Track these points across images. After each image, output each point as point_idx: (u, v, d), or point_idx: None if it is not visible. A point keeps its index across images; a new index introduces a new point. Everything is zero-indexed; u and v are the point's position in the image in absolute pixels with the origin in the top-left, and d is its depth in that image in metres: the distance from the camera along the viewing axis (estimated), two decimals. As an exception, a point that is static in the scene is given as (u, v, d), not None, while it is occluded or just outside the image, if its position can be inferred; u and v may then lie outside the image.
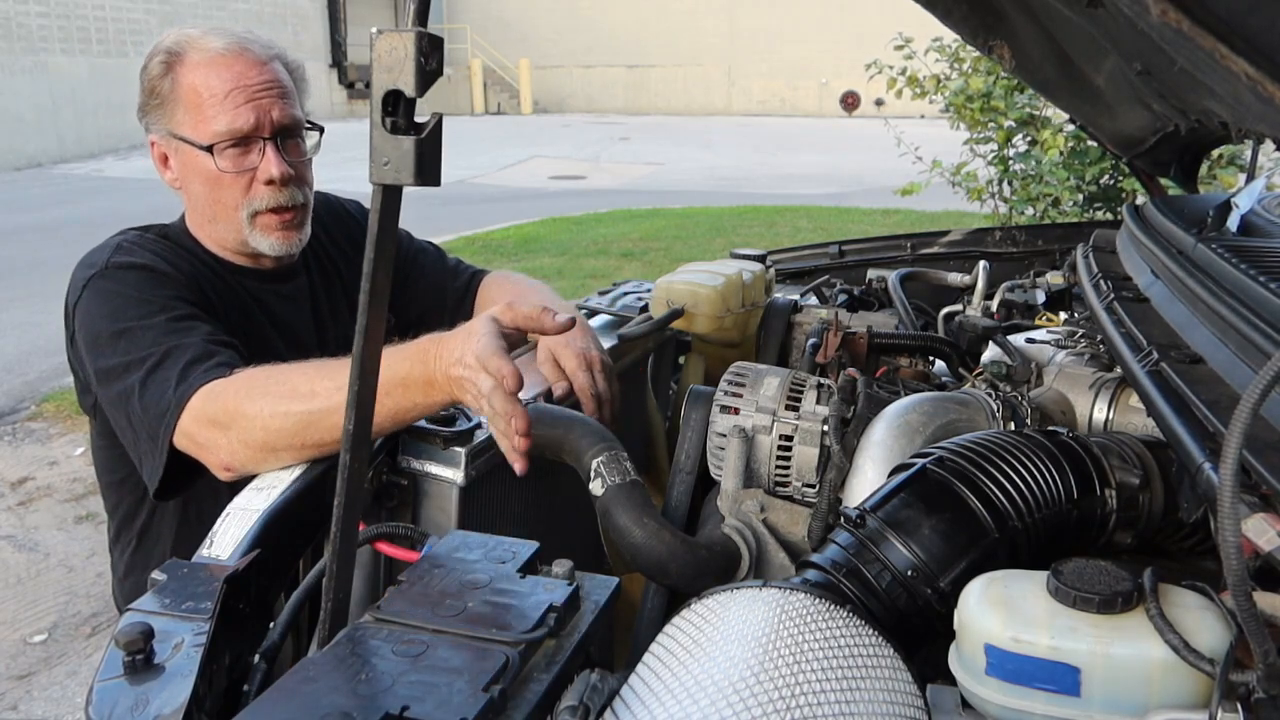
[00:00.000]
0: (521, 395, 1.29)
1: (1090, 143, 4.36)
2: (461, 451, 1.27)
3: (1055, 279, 2.06)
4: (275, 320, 1.58)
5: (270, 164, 1.45)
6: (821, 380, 1.36)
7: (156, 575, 0.97)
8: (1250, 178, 2.25)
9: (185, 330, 1.33)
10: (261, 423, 1.19)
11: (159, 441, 1.25)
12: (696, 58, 24.92)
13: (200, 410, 1.23)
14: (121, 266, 1.39)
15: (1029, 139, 4.98)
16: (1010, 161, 5.15)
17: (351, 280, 1.67)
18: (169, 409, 1.25)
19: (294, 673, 0.77)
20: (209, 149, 1.43)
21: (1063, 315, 1.91)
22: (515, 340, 1.61)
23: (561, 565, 0.92)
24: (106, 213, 10.04)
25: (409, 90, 0.69)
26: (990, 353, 1.56)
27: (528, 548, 0.96)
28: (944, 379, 1.73)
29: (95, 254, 1.44)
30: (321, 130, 1.56)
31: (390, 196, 0.73)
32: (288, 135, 1.49)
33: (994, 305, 2.03)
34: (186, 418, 1.23)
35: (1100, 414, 1.37)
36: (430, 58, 0.69)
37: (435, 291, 1.79)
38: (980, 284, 2.09)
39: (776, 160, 14.99)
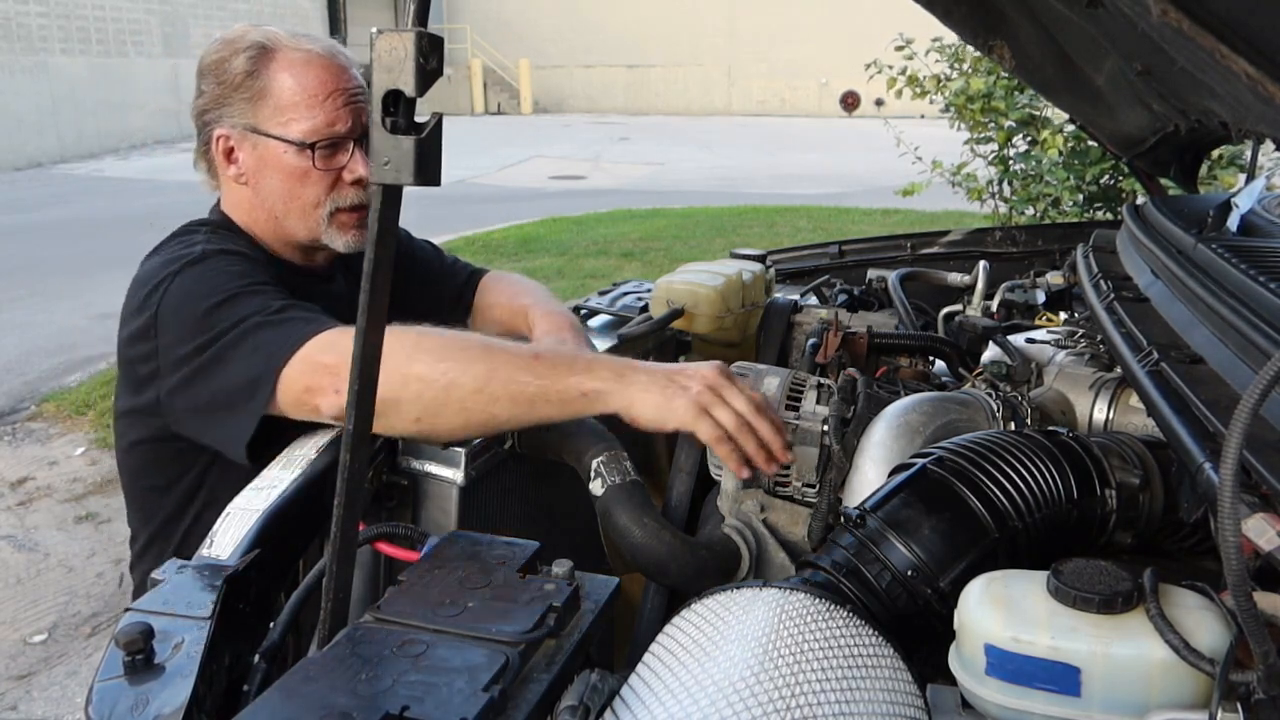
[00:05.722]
0: None
1: (1090, 143, 4.36)
2: (461, 451, 1.27)
3: (1055, 279, 2.06)
4: None
5: (359, 164, 1.47)
6: (821, 380, 1.36)
7: (156, 575, 0.98)
8: (1250, 178, 2.25)
9: (296, 304, 1.32)
10: (407, 353, 1.17)
11: (264, 380, 1.22)
12: (696, 58, 24.91)
13: (332, 341, 1.20)
14: (220, 252, 1.39)
15: (1029, 139, 4.98)
16: (1010, 161, 5.15)
17: None
18: (293, 341, 1.22)
19: (294, 673, 0.77)
20: (309, 146, 1.43)
21: (1063, 315, 1.91)
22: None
23: (561, 565, 0.92)
24: (106, 213, 10.06)
25: (409, 90, 0.69)
26: (990, 353, 1.56)
27: (528, 548, 0.96)
28: (944, 379, 1.73)
29: (175, 249, 1.41)
30: None
31: (390, 196, 0.74)
32: (365, 140, 1.50)
33: (994, 305, 2.03)
34: (313, 346, 1.21)
35: (1100, 414, 1.37)
36: (430, 58, 0.69)
37: (435, 290, 1.79)
38: (980, 284, 2.09)
39: (776, 160, 14.98)
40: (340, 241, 1.51)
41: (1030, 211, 5.05)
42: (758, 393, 1.20)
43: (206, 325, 1.29)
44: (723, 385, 1.17)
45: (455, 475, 1.27)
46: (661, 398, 1.15)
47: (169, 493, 1.47)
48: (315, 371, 1.21)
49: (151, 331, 1.34)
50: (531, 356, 1.18)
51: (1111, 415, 1.37)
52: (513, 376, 1.16)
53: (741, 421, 1.15)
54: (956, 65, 5.31)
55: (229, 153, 1.48)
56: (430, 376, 1.16)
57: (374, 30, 0.69)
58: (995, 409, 1.30)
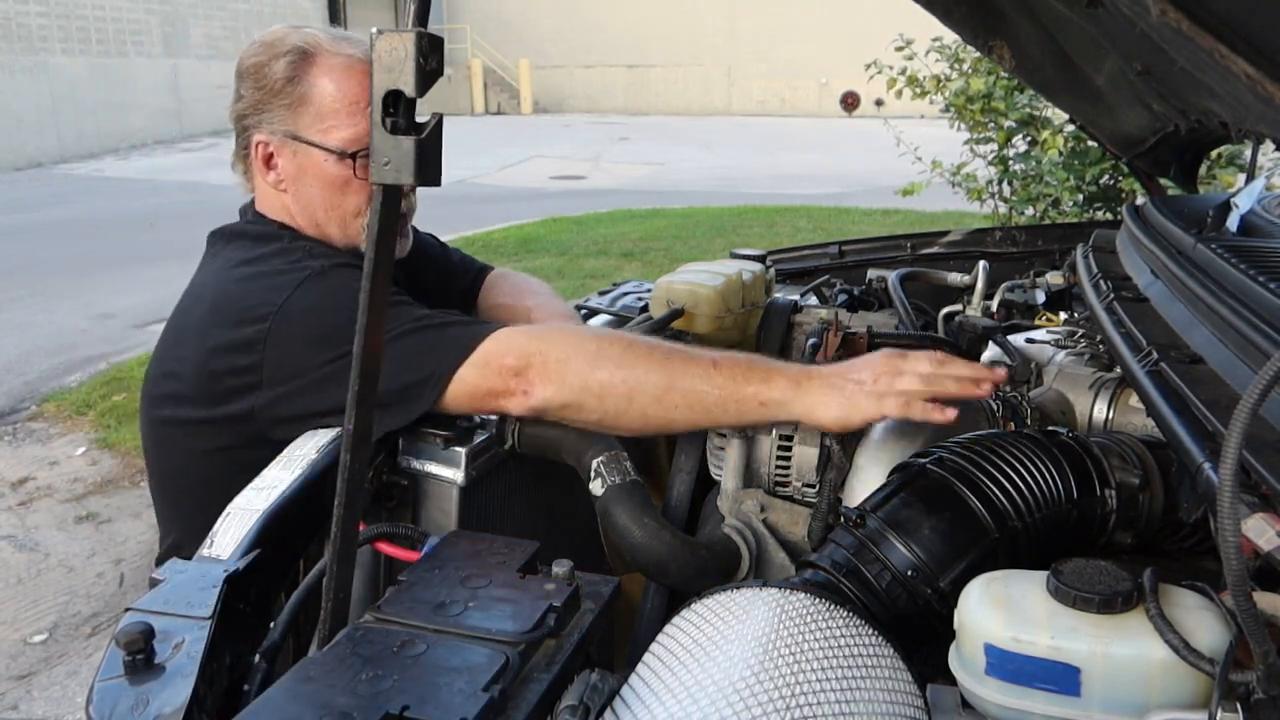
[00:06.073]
0: None
1: (1090, 143, 4.36)
2: (461, 451, 1.27)
3: (1055, 279, 2.06)
4: None
5: None
6: (821, 380, 1.35)
7: (156, 575, 0.98)
8: (1250, 178, 2.25)
9: (446, 310, 1.32)
10: (590, 359, 1.21)
11: (431, 382, 1.23)
12: (696, 58, 24.91)
13: (509, 343, 1.23)
14: (343, 266, 1.37)
15: (1029, 139, 4.98)
16: (1010, 161, 5.15)
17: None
18: (462, 344, 1.23)
19: (294, 673, 0.77)
20: (351, 155, 1.41)
21: (1063, 315, 1.91)
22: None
23: (561, 565, 0.92)
24: (106, 213, 10.06)
25: (409, 90, 0.69)
26: (990, 353, 1.56)
27: (528, 548, 0.97)
28: (944, 379, 1.72)
29: (274, 262, 1.38)
30: None
31: (390, 196, 0.74)
32: None
33: (994, 305, 2.03)
34: (490, 349, 1.23)
35: (1100, 414, 1.37)
36: (430, 58, 0.69)
37: (441, 287, 1.78)
38: (980, 284, 2.09)
39: (776, 160, 14.98)
40: None
41: (1030, 211, 5.05)
42: (935, 351, 1.20)
43: (346, 336, 1.27)
44: (897, 362, 1.18)
45: (455, 475, 1.27)
46: (841, 397, 1.16)
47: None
48: (500, 374, 1.23)
49: (259, 345, 1.30)
50: (711, 364, 1.21)
51: (1111, 415, 1.37)
52: (692, 386, 1.19)
53: (929, 376, 1.15)
54: (956, 65, 5.31)
55: (268, 159, 1.45)
56: (612, 384, 1.20)
57: (374, 30, 0.69)
58: (995, 409, 1.30)
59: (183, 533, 1.47)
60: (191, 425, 1.38)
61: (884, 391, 1.15)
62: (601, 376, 1.20)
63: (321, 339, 1.28)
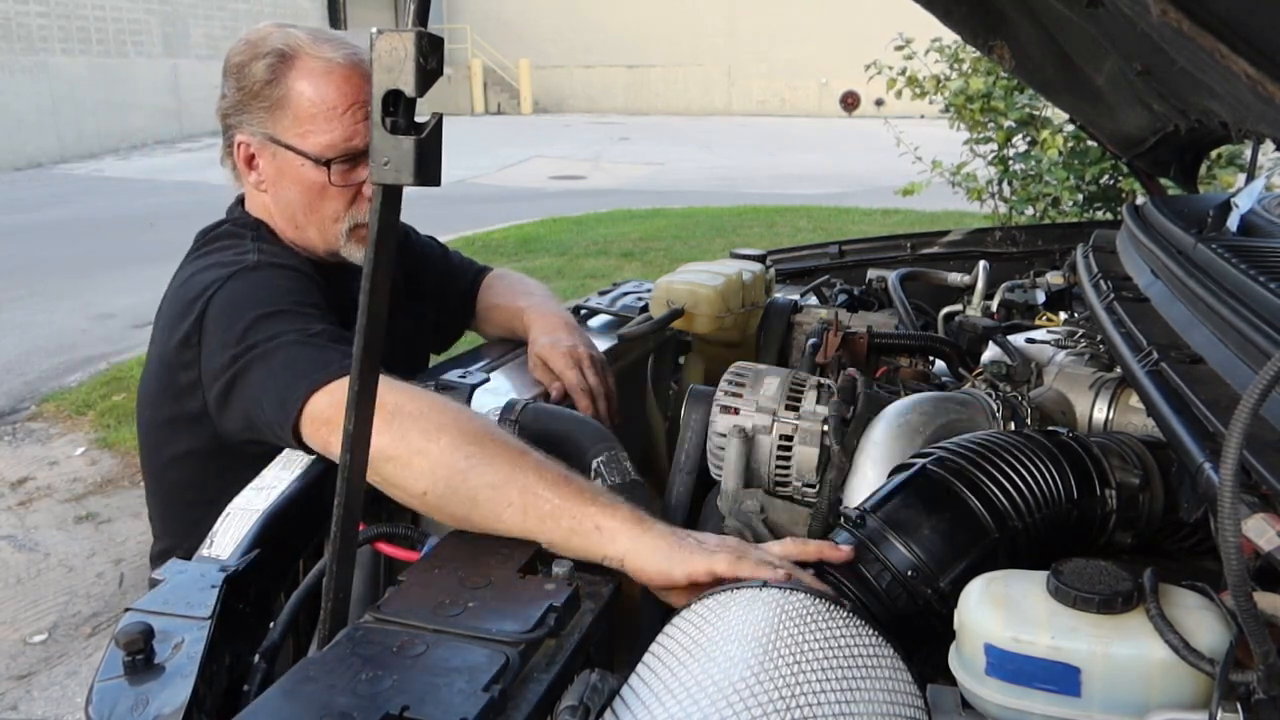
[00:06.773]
0: (516, 398, 1.27)
1: (1090, 143, 4.36)
2: (461, 451, 1.26)
3: (1055, 279, 2.06)
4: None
5: None
6: (821, 380, 1.36)
7: (156, 575, 0.98)
8: (1250, 178, 2.25)
9: (344, 337, 1.26)
10: (436, 424, 1.11)
11: (298, 394, 1.16)
12: (696, 58, 24.91)
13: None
14: (275, 265, 1.36)
15: (1029, 139, 4.98)
16: (1010, 161, 5.15)
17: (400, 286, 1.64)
18: (326, 371, 1.17)
19: (294, 673, 0.77)
20: (324, 162, 1.40)
21: (1063, 315, 1.91)
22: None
23: (561, 565, 0.92)
24: (106, 213, 10.06)
25: (409, 90, 0.69)
26: (990, 353, 1.56)
27: (528, 548, 0.97)
28: (944, 379, 1.73)
29: (225, 254, 1.37)
30: None
31: (390, 196, 0.74)
32: None
33: (994, 305, 2.03)
34: (344, 384, 1.10)
35: (1100, 414, 1.37)
36: (430, 58, 0.69)
37: (439, 290, 1.77)
38: (980, 284, 2.09)
39: (776, 160, 14.98)
40: (359, 255, 1.47)
41: (1030, 211, 5.06)
42: (791, 544, 1.04)
43: (244, 336, 1.25)
44: (746, 548, 1.02)
45: (455, 475, 1.27)
46: (673, 549, 1.02)
47: (213, 507, 1.32)
48: (338, 407, 1.15)
49: (194, 338, 1.30)
50: (562, 476, 1.09)
51: (1111, 415, 1.37)
52: (533, 487, 1.06)
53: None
54: (956, 65, 5.32)
55: (250, 160, 1.45)
56: (452, 457, 1.09)
57: (374, 30, 0.69)
58: (995, 409, 1.30)
59: (169, 538, 1.48)
60: (168, 426, 1.39)
61: (715, 549, 1.01)
62: (444, 444, 1.09)
63: (232, 337, 1.26)
